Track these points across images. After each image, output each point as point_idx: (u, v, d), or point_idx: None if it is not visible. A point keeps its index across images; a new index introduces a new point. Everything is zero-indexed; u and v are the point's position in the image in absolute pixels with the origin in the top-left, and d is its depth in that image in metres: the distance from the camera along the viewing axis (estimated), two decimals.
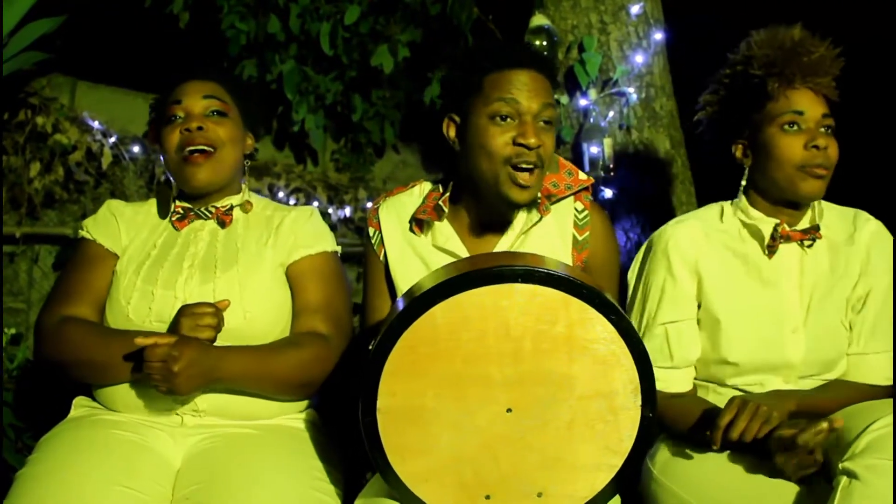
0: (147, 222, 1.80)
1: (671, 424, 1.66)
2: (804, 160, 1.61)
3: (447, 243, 1.68)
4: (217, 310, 1.58)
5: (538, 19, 2.79)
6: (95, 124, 2.98)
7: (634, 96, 2.80)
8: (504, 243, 1.68)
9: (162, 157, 1.81)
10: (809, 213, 1.71)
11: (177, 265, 1.69)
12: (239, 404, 1.63)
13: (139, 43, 3.40)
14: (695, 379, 1.74)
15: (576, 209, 1.72)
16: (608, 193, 2.75)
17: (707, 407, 1.61)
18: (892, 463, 1.34)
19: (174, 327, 1.57)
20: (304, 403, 1.74)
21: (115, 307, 1.67)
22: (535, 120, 1.56)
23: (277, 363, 1.61)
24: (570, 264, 1.68)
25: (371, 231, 1.75)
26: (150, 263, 1.71)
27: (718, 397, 1.68)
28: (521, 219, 1.69)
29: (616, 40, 2.83)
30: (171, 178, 1.80)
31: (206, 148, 1.72)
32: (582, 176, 1.73)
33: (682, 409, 1.64)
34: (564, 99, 2.85)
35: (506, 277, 1.23)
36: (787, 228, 1.67)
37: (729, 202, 1.75)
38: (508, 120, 1.56)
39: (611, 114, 2.81)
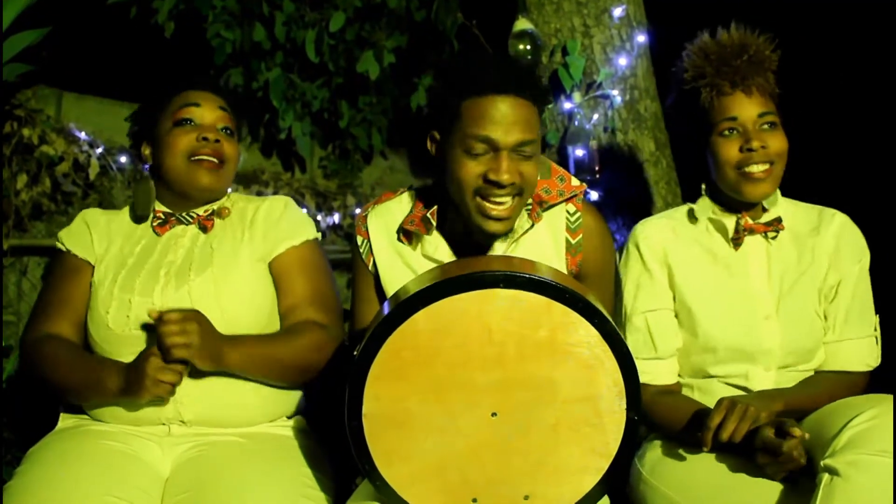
0: (121, 230, 1.79)
1: (660, 422, 1.68)
2: (741, 161, 1.66)
3: (436, 253, 1.65)
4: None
5: (521, 24, 2.80)
6: (82, 135, 2.97)
7: (618, 99, 2.81)
8: (496, 250, 1.64)
9: (155, 156, 1.75)
10: (771, 208, 1.75)
11: (153, 273, 1.69)
12: (225, 412, 1.63)
13: (125, 53, 3.40)
14: (680, 377, 1.76)
15: (567, 212, 1.68)
16: (594, 196, 2.76)
17: (697, 408, 1.62)
18: (872, 458, 1.35)
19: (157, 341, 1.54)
20: (292, 410, 1.74)
21: (95, 317, 1.68)
22: (512, 153, 1.49)
23: (280, 348, 1.64)
24: (565, 269, 1.66)
25: (359, 239, 1.72)
26: (126, 271, 1.70)
27: (705, 397, 1.70)
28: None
29: (599, 43, 2.84)
30: (165, 177, 1.75)
31: (214, 160, 1.73)
32: (574, 182, 1.69)
33: (671, 407, 1.67)
34: (549, 103, 2.86)
35: (487, 283, 1.24)
36: (750, 221, 1.72)
37: (695, 203, 1.80)
38: (482, 154, 1.50)
39: (595, 116, 2.81)
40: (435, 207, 1.65)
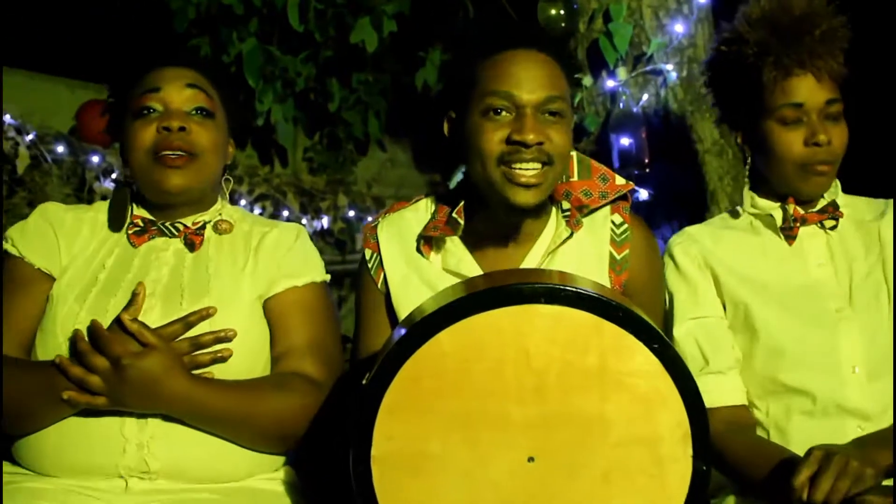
0: (94, 234, 1.78)
1: (734, 466, 1.68)
2: (805, 158, 1.74)
3: (460, 266, 1.70)
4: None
5: None
6: (7, 118, 2.98)
7: (674, 74, 2.84)
8: (529, 262, 1.71)
9: (122, 156, 1.80)
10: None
11: (131, 294, 1.66)
12: (200, 463, 1.62)
13: (63, 19, 3.43)
14: (755, 407, 1.77)
15: (613, 223, 1.75)
16: (643, 194, 2.79)
17: (783, 455, 1.62)
18: None
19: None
20: (280, 461, 1.75)
21: (49, 342, 1.65)
22: (537, 111, 1.59)
23: (260, 407, 1.62)
24: (607, 286, 1.70)
25: (368, 253, 1.78)
26: (98, 290, 1.68)
27: (784, 438, 1.71)
28: (547, 235, 1.72)
29: (650, 6, 2.87)
30: (132, 181, 1.79)
31: (180, 154, 1.72)
32: (619, 181, 1.76)
33: (749, 449, 1.68)
34: (588, 80, 2.89)
35: (526, 297, 1.25)
36: (801, 210, 1.79)
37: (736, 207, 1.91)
38: (504, 114, 1.59)
39: (645, 97, 2.84)
40: (461, 205, 1.69)
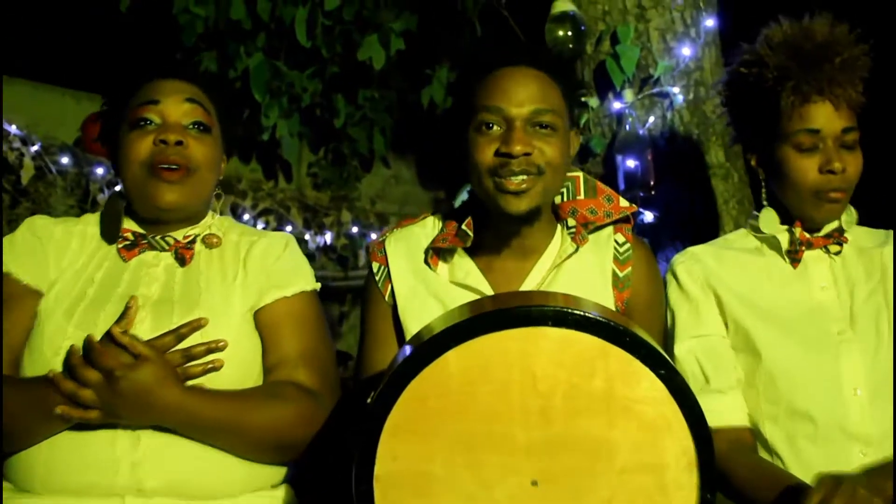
0: (84, 247, 1.77)
1: (739, 488, 1.68)
2: (819, 185, 1.76)
3: (467, 278, 1.75)
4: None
5: (561, 4, 2.84)
6: (13, 129, 2.98)
7: (680, 97, 2.84)
8: (535, 276, 1.76)
9: (114, 167, 1.79)
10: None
11: (122, 308, 1.64)
12: (194, 480, 1.61)
13: (70, 30, 3.44)
14: (759, 430, 1.77)
15: (616, 242, 1.82)
16: (648, 216, 2.78)
17: (789, 480, 1.62)
18: None
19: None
20: (279, 477, 1.74)
21: (36, 359, 1.62)
22: (526, 124, 1.65)
23: (253, 415, 1.61)
24: (611, 305, 1.75)
25: (375, 266, 1.83)
26: (86, 305, 1.66)
27: (793, 465, 1.70)
28: (552, 250, 1.78)
29: (657, 29, 2.88)
30: (126, 194, 1.77)
31: (176, 168, 1.71)
32: (623, 203, 1.82)
33: (753, 470, 1.68)
34: (594, 102, 2.89)
35: (534, 319, 1.25)
36: (807, 234, 1.83)
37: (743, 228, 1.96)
38: (495, 128, 1.66)
39: (651, 119, 2.84)
40: (469, 218, 1.74)
